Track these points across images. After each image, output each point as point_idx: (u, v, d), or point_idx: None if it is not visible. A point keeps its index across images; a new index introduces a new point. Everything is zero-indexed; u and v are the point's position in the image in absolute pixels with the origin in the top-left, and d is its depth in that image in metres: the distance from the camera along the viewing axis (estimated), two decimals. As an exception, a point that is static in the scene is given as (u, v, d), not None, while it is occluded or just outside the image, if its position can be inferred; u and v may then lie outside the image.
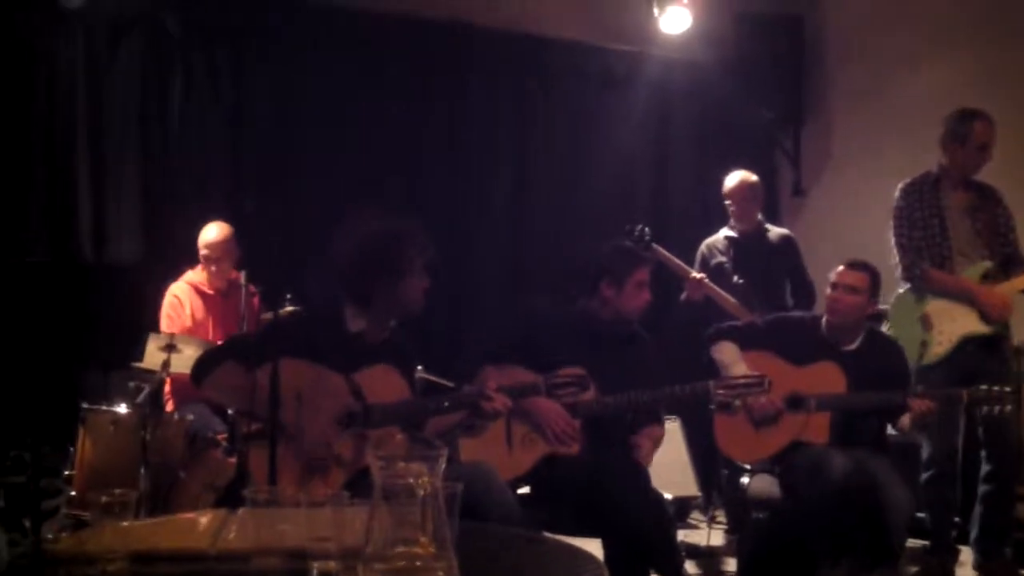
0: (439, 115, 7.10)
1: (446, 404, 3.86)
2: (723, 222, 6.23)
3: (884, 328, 5.24)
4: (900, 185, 5.30)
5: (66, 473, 4.75)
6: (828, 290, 4.67)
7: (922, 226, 5.15)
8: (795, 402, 4.47)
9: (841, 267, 4.68)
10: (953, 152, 5.16)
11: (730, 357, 4.63)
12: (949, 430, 5.05)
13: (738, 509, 5.30)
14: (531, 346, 4.22)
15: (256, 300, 5.50)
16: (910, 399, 4.36)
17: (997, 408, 4.40)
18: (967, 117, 5.13)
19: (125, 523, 2.17)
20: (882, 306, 5.17)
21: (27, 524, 4.62)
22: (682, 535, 5.40)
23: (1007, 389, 4.40)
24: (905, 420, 4.46)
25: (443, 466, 1.74)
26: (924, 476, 5.12)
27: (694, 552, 5.51)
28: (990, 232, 5.14)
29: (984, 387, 4.43)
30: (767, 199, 6.69)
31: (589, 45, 7.53)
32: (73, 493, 4.69)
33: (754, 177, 6.16)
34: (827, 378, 4.49)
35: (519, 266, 7.29)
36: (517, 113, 7.42)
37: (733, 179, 6.14)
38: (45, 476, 4.68)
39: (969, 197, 5.19)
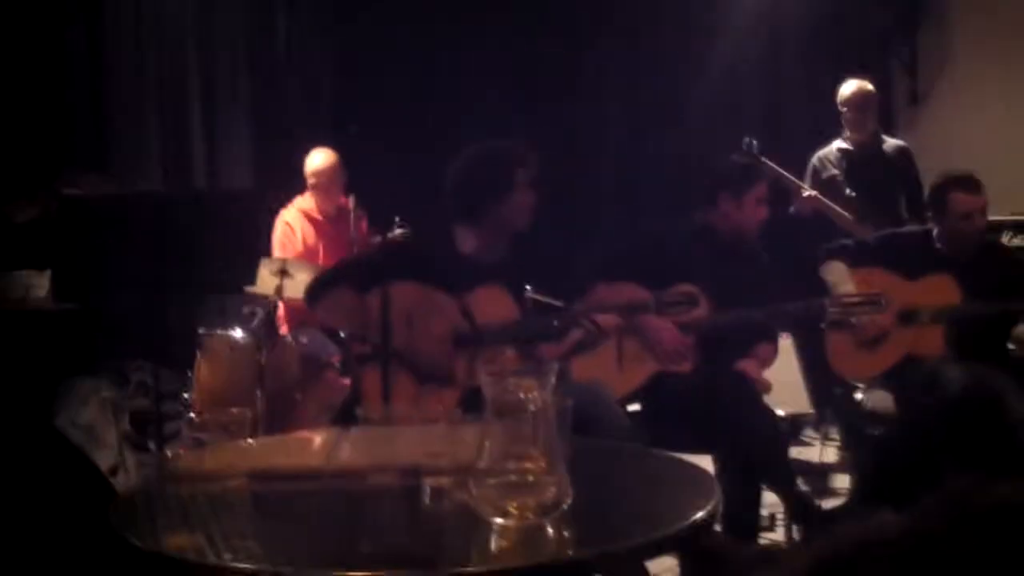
0: (549, 34, 7.02)
1: (555, 324, 3.86)
2: (836, 134, 6.07)
3: (1012, 236, 5.07)
4: None
5: (186, 396, 4.87)
6: (960, 220, 4.49)
7: None
8: (907, 316, 4.37)
9: (962, 193, 4.47)
10: None
11: (838, 277, 4.54)
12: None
13: (852, 426, 5.23)
14: (646, 261, 4.19)
15: (364, 224, 5.53)
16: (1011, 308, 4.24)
17: None
18: None
19: (242, 442, 2.22)
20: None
21: (152, 446, 4.76)
22: (795, 452, 5.35)
23: None
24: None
25: (553, 382, 1.74)
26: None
27: (807, 468, 5.46)
28: None
29: None
30: (882, 108, 6.50)
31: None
32: (193, 416, 4.81)
33: (870, 85, 5.98)
34: (941, 290, 4.38)
35: (630, 181, 7.24)
36: (625, 24, 7.30)
37: (849, 87, 5.96)
38: (167, 400, 4.80)
39: None
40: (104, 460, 4.75)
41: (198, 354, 4.87)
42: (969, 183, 4.47)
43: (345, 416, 4.19)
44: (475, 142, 3.97)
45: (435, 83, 6.54)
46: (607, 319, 3.81)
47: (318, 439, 2.76)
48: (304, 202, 5.72)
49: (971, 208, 4.43)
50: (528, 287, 4.42)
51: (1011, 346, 4.62)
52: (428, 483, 1.98)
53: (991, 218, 5.34)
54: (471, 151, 3.91)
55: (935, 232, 4.56)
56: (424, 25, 6.55)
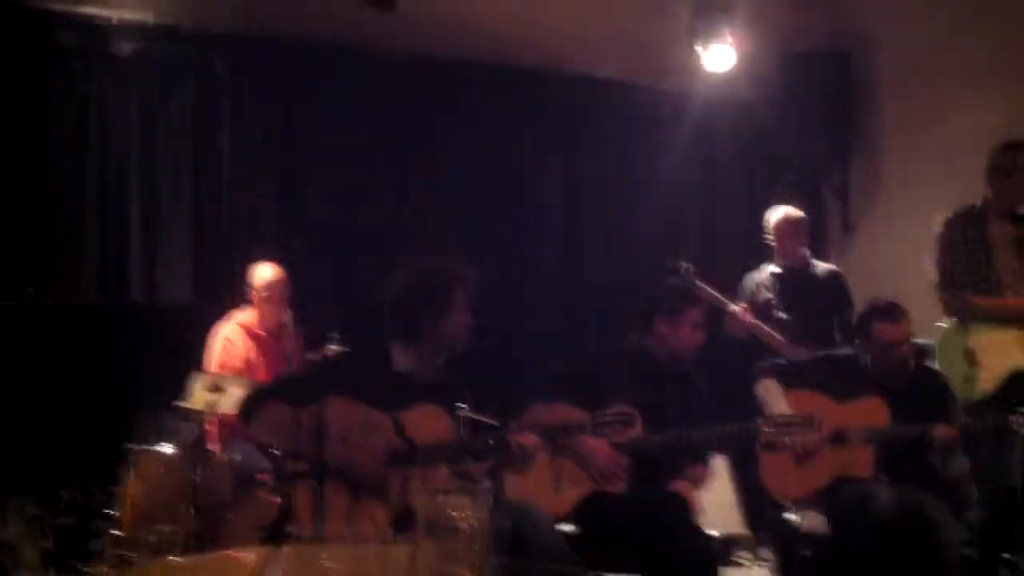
0: (486, 156, 7.10)
1: (491, 443, 3.86)
2: (770, 258, 6.18)
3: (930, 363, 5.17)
4: (943, 216, 5.21)
5: (113, 514, 4.77)
6: (882, 351, 4.58)
7: (965, 259, 5.04)
8: (838, 437, 4.43)
9: (885, 323, 4.57)
10: (998, 184, 5.07)
11: (772, 395, 4.61)
12: (1003, 466, 4.97)
13: (785, 547, 5.23)
14: (581, 382, 4.23)
15: (301, 340, 5.51)
16: (932, 429, 4.30)
17: None
18: (1012, 148, 5.06)
19: (171, 561, 2.19)
20: (925, 341, 5.11)
21: (77, 566, 4.64)
22: (728, 573, 5.34)
23: None
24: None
25: (487, 501, 1.74)
26: (974, 513, 5.02)
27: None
28: None
29: None
30: (815, 235, 6.64)
31: (634, 84, 7.53)
32: (121, 534, 4.71)
33: (798, 212, 6.11)
34: (871, 413, 4.46)
35: (569, 304, 7.27)
36: (563, 152, 7.41)
37: (775, 214, 6.09)
38: (93, 517, 4.69)
39: (1016, 230, 5.07)
40: (26, 579, 4.61)
41: (128, 470, 4.78)
42: (892, 313, 4.57)
43: (276, 534, 4.14)
44: (413, 259, 3.99)
45: (375, 201, 6.57)
46: (528, 439, 3.81)
47: (249, 557, 2.72)
48: (245, 316, 5.69)
49: (894, 338, 4.52)
50: (463, 406, 4.42)
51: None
52: (358, 603, 1.96)
53: (924, 342, 5.46)
54: (409, 269, 3.93)
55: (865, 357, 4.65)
56: (374, 144, 6.60)
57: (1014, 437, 4.56)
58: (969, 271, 5.03)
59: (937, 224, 5.19)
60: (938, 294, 5.12)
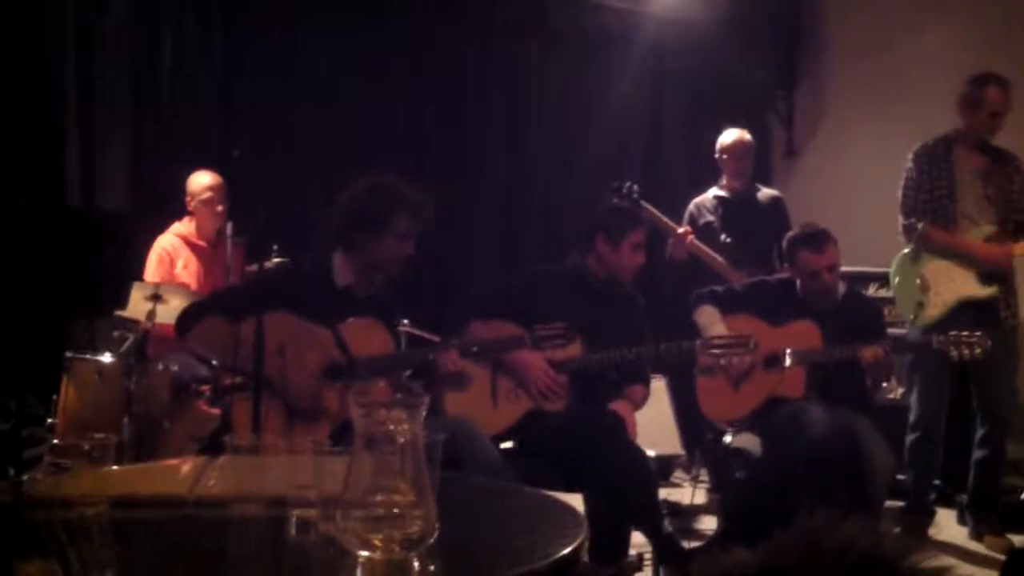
0: (433, 73, 7.03)
1: (430, 357, 3.86)
2: (714, 182, 6.21)
3: (879, 287, 5.25)
4: (914, 147, 5.26)
5: (50, 422, 4.74)
6: (808, 278, 4.63)
7: (929, 188, 5.11)
8: (771, 360, 4.49)
9: (808, 252, 4.60)
10: (967, 116, 5.10)
11: (709, 320, 4.66)
12: (933, 391, 5.08)
13: (721, 467, 5.32)
14: (521, 301, 4.24)
15: (241, 253, 5.46)
16: (860, 349, 4.37)
17: (968, 352, 4.38)
18: (981, 82, 5.07)
19: (105, 469, 2.17)
20: (867, 268, 5.17)
21: (11, 472, 4.61)
22: (665, 493, 5.42)
23: (977, 334, 4.39)
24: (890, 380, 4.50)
25: (424, 414, 1.74)
26: (909, 438, 5.14)
27: (676, 510, 5.53)
28: (1001, 198, 5.07)
29: (954, 333, 4.43)
30: (759, 160, 6.67)
31: (585, 1, 7.46)
32: (56, 442, 4.68)
33: (748, 135, 6.13)
34: (804, 336, 4.52)
35: (512, 223, 7.27)
36: (511, 70, 7.37)
37: (729, 136, 6.11)
38: (29, 425, 4.66)
39: (984, 161, 5.12)
40: (-43, 485, 4.58)
41: (64, 378, 4.74)
42: (815, 242, 4.60)
43: (214, 446, 4.13)
44: (375, 174, 3.93)
45: (323, 114, 6.49)
46: (455, 362, 3.82)
47: (184, 467, 2.71)
48: (183, 227, 5.61)
49: (817, 266, 4.58)
50: (405, 321, 4.42)
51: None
52: (294, 514, 1.96)
53: (858, 269, 5.53)
54: (365, 181, 3.88)
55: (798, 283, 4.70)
56: (317, 60, 6.50)
57: (945, 361, 4.65)
58: (932, 200, 5.10)
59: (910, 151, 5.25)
60: (900, 220, 5.18)
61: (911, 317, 5.10)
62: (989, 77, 5.07)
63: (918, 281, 5.10)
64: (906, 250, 5.23)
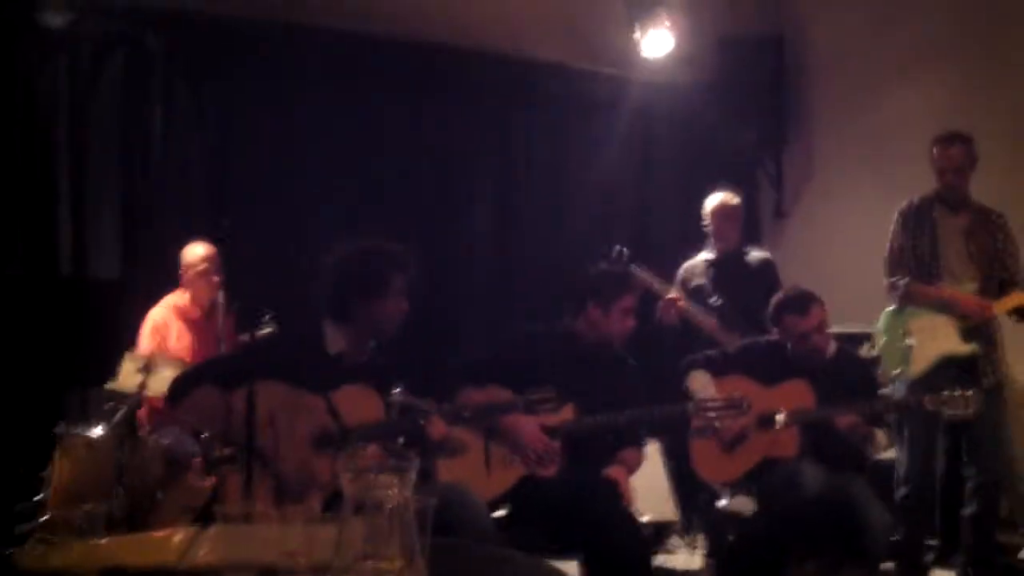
0: (422, 138, 7.07)
1: (421, 424, 3.84)
2: (704, 244, 6.23)
3: (871, 347, 5.26)
4: (900, 206, 5.31)
5: (41, 496, 4.70)
6: (796, 340, 4.64)
7: (912, 246, 5.16)
8: (764, 420, 4.48)
9: (793, 316, 4.63)
10: (938, 177, 5.18)
11: (701, 385, 4.65)
12: (925, 448, 5.06)
13: (716, 532, 5.29)
14: (513, 365, 4.23)
15: (232, 322, 5.45)
16: (836, 416, 4.38)
17: (960, 412, 4.38)
18: (941, 142, 5.16)
19: (94, 540, 2.16)
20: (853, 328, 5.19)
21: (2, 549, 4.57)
22: (661, 559, 5.38)
23: (969, 392, 4.38)
24: (879, 437, 4.49)
25: (413, 478, 1.73)
26: (898, 494, 5.11)
27: (672, 576, 5.49)
28: (984, 256, 5.12)
29: (946, 392, 4.42)
30: (748, 221, 6.71)
31: (571, 68, 7.53)
32: (48, 516, 4.63)
33: (735, 199, 6.16)
34: (796, 396, 4.53)
35: (503, 288, 7.26)
36: (500, 136, 7.41)
37: (713, 200, 6.15)
38: (20, 500, 4.62)
39: (966, 219, 5.17)
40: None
41: (56, 452, 4.71)
42: (799, 305, 4.63)
43: (206, 517, 4.10)
44: (354, 239, 3.95)
45: (316, 183, 6.51)
46: (442, 429, 3.81)
47: (174, 537, 2.68)
48: (176, 299, 5.62)
49: (803, 329, 4.60)
50: (397, 389, 4.41)
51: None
52: (284, 582, 1.94)
53: (850, 330, 5.55)
54: (349, 249, 3.90)
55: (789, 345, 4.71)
56: (307, 124, 6.54)
57: (934, 418, 4.65)
58: (914, 257, 5.15)
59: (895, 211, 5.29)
60: (885, 277, 5.21)
61: (896, 372, 5.10)
62: (938, 137, 5.15)
63: (902, 332, 5.12)
64: (892, 307, 5.24)
